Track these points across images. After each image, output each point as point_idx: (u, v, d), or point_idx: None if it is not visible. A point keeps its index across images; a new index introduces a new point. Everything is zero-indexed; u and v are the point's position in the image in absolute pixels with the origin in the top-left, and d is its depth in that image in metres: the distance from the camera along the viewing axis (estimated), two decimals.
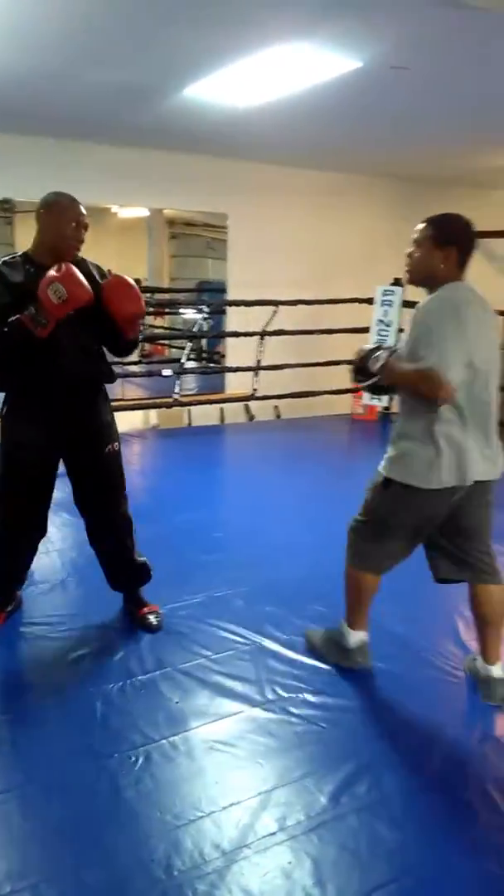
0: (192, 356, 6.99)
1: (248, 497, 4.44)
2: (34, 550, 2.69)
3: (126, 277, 2.37)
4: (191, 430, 6.39)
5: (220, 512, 3.99)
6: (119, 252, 12.68)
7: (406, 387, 2.16)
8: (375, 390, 2.34)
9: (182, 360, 6.44)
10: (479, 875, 1.69)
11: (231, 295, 6.68)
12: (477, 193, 7.54)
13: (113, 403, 2.61)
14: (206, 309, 7.56)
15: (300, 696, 2.34)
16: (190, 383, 7.27)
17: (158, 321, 9.97)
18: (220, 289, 7.13)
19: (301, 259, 6.88)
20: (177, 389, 6.09)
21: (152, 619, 2.74)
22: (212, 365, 8.51)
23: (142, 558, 2.76)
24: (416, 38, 3.20)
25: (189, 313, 8.26)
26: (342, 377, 6.60)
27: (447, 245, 2.10)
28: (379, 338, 6.37)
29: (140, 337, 2.59)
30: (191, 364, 7.19)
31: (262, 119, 4.69)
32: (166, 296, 8.95)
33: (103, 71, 3.76)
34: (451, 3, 2.67)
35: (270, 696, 2.34)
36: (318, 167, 6.72)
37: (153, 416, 6.74)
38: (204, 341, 8.67)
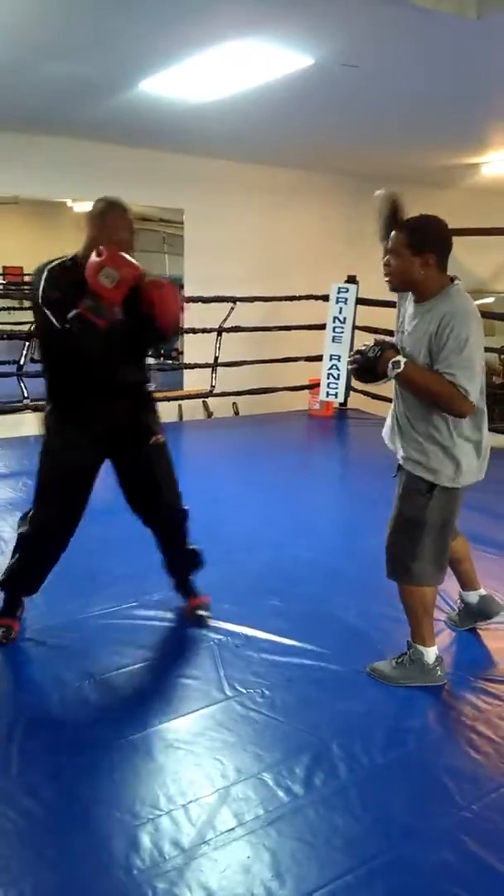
0: (149, 353, 6.94)
1: (206, 494, 4.42)
2: (59, 556, 2.61)
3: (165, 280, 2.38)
4: None
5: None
6: (75, 246, 12.49)
7: (424, 394, 2.17)
8: (362, 375, 2.28)
9: None
10: (434, 864, 1.72)
11: (188, 291, 6.66)
12: (429, 192, 7.64)
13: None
14: None
15: (258, 690, 2.35)
16: None
17: None
18: (178, 285, 7.10)
19: (257, 256, 6.90)
20: None
21: (201, 611, 2.77)
22: (169, 362, 8.47)
23: (193, 546, 2.77)
24: (367, 37, 3.24)
25: None
26: (299, 373, 6.67)
27: (424, 251, 2.10)
28: (335, 334, 6.42)
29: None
30: (148, 360, 7.13)
31: (216, 115, 4.68)
32: None
33: (57, 63, 3.71)
34: (399, 3, 2.71)
35: (229, 692, 2.35)
36: (274, 164, 6.74)
37: None
38: None
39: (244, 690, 2.36)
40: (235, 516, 3.94)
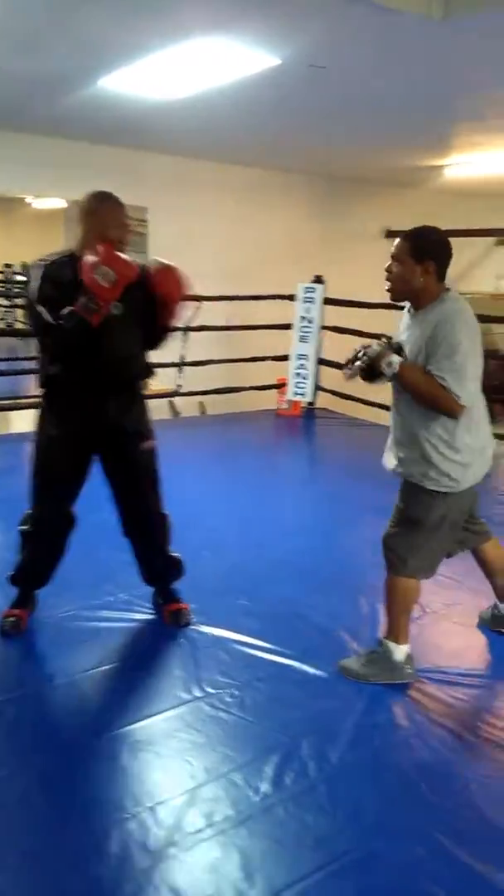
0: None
1: (173, 494, 4.39)
2: (64, 549, 2.63)
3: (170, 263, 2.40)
4: None
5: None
6: (36, 244, 12.29)
7: (417, 395, 2.21)
8: (364, 374, 2.30)
9: None
10: (404, 859, 1.73)
11: None
12: (395, 192, 7.74)
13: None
14: None
15: (227, 691, 2.34)
16: None
17: None
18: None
19: (223, 255, 6.88)
20: None
21: (181, 617, 2.74)
22: None
23: (175, 554, 2.77)
24: (334, 38, 3.24)
25: None
26: (266, 373, 6.67)
27: (425, 259, 2.17)
28: (302, 334, 6.44)
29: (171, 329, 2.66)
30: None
31: (180, 113, 4.65)
32: None
33: (15, 59, 3.64)
34: (365, 3, 2.72)
35: (198, 692, 2.33)
36: (239, 163, 6.73)
37: None
38: None
39: (213, 691, 2.34)
40: (203, 516, 3.91)
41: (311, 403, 6.66)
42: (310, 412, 6.64)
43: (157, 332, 2.58)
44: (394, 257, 2.22)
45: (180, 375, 6.25)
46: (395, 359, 2.19)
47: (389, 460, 2.39)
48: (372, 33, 3.13)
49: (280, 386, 6.65)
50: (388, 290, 2.28)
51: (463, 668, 2.55)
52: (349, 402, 6.45)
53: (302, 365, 6.43)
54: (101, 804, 1.86)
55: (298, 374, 6.45)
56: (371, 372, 2.24)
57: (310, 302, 6.40)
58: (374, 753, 2.10)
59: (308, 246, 7.23)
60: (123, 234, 2.34)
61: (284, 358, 6.53)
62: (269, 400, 6.73)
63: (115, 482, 2.60)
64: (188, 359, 6.19)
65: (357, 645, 2.66)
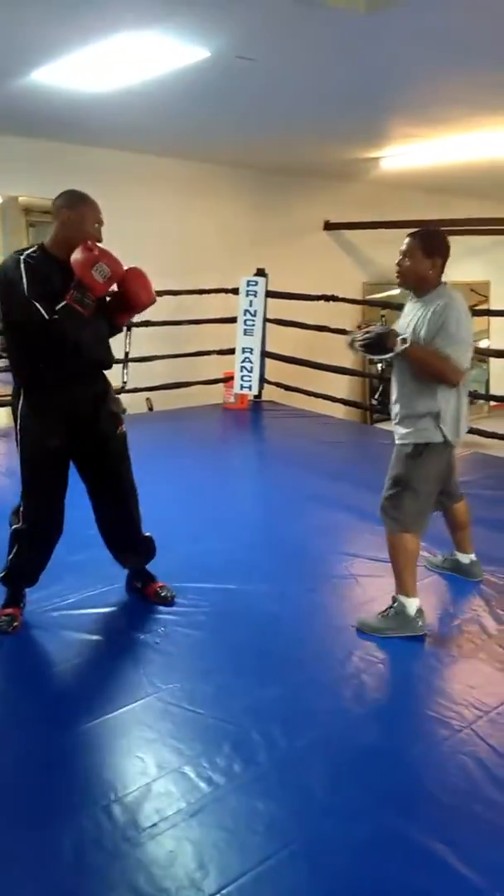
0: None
1: None
2: (54, 546, 2.66)
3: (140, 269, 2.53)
4: None
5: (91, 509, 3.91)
6: None
7: (425, 367, 2.53)
8: (372, 349, 2.59)
9: None
10: (354, 840, 1.76)
11: None
12: (332, 185, 7.80)
13: None
14: None
15: (177, 684, 2.35)
16: None
17: None
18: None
19: (165, 250, 6.83)
20: None
21: (165, 593, 2.86)
22: None
23: (148, 533, 2.86)
24: (263, 30, 3.25)
25: None
26: (213, 367, 6.67)
27: (434, 255, 2.57)
28: (246, 327, 6.45)
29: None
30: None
31: (114, 106, 4.60)
32: None
33: None
34: None
35: (149, 689, 2.33)
36: (177, 156, 6.69)
37: None
38: None
39: (164, 686, 2.34)
40: (151, 512, 3.88)
41: (257, 396, 6.69)
42: (257, 405, 6.67)
43: (112, 330, 2.66)
44: (405, 253, 2.58)
45: (126, 372, 6.22)
46: (408, 336, 2.52)
47: (396, 432, 2.68)
48: (299, 25, 3.14)
49: (227, 380, 6.66)
50: (397, 278, 2.65)
51: (409, 648, 2.61)
52: (295, 393, 6.50)
53: (247, 358, 6.46)
54: (55, 805, 1.85)
55: (244, 368, 6.47)
56: (377, 348, 2.55)
57: (252, 295, 6.42)
58: (323, 737, 2.14)
59: (249, 239, 7.24)
60: (99, 231, 2.46)
61: (230, 352, 6.54)
62: (216, 394, 6.74)
63: (96, 468, 2.65)
64: (132, 355, 6.18)
65: (305, 632, 2.70)
